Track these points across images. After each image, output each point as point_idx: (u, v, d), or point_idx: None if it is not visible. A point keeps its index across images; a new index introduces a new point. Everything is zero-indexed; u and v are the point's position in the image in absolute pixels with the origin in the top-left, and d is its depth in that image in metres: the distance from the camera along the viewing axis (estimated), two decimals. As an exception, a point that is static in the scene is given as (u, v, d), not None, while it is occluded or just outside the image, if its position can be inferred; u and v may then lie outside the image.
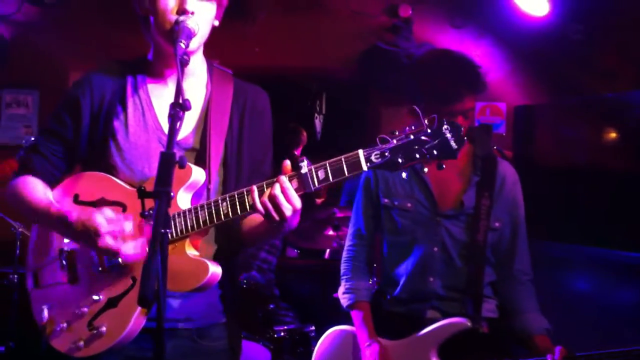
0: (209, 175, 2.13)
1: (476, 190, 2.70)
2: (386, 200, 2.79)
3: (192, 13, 2.07)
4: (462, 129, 1.85)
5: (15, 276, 4.47)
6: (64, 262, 2.16)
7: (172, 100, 1.87)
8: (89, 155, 2.19)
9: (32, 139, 3.08)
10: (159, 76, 2.24)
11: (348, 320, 4.23)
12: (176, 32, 2.03)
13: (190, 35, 2.05)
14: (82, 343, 2.05)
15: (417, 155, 1.82)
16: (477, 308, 2.64)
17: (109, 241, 1.97)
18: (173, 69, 2.19)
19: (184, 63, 1.96)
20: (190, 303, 2.16)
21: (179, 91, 1.85)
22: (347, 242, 2.97)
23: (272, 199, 1.91)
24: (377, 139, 1.86)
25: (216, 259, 2.14)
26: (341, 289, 2.93)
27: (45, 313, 2.14)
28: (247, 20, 5.06)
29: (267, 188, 1.94)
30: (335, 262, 4.46)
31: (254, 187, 1.95)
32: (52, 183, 2.20)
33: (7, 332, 4.50)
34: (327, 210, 4.87)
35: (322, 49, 5.27)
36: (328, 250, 5.42)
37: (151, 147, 2.16)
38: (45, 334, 2.14)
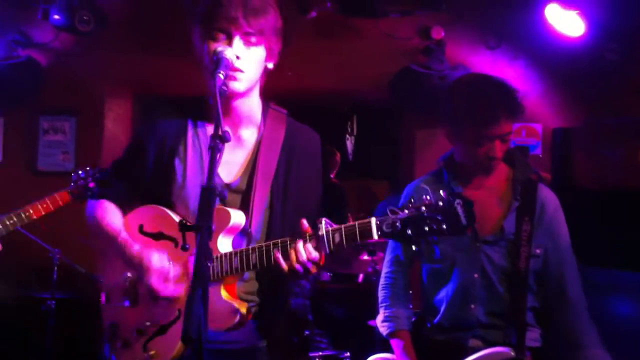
0: (250, 218, 2.22)
1: (516, 215, 2.65)
2: None
3: (238, 57, 2.14)
4: (473, 204, 1.88)
5: (53, 302, 4.50)
6: (127, 285, 2.32)
7: (228, 147, 2.02)
8: (153, 190, 2.34)
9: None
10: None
11: (383, 347, 4.18)
12: (215, 63, 2.07)
13: (228, 65, 2.08)
14: None
15: (427, 229, 1.87)
16: (520, 337, 2.58)
17: (153, 280, 2.18)
18: (229, 115, 2.27)
19: (223, 93, 2.00)
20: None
21: (218, 123, 1.87)
22: (385, 269, 2.93)
23: (290, 261, 2.04)
24: (389, 210, 1.93)
25: (260, 291, 2.30)
26: (380, 317, 2.89)
27: (110, 329, 2.34)
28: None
29: (290, 245, 2.06)
30: (369, 285, 4.45)
31: (278, 251, 2.06)
32: (124, 210, 2.40)
33: (43, 357, 4.54)
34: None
35: (354, 72, 5.28)
36: (362, 275, 5.38)
37: None
38: (109, 349, 2.34)
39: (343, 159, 7.38)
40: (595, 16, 4.61)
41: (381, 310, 2.89)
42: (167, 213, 2.28)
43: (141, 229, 2.33)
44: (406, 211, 1.90)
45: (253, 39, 2.16)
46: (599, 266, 3.95)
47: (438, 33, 4.95)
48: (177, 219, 2.24)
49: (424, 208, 1.88)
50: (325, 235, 1.99)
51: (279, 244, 2.07)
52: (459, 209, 1.86)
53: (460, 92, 2.72)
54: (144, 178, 2.34)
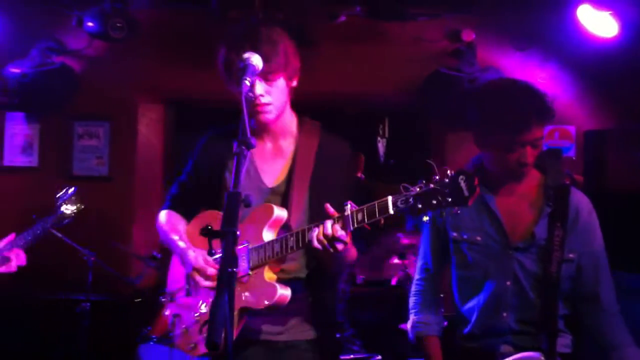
0: (290, 215, 2.48)
1: (548, 221, 2.62)
2: (455, 234, 2.73)
3: (262, 96, 2.42)
4: (476, 179, 2.09)
5: (88, 304, 4.59)
6: (186, 280, 2.61)
7: (269, 157, 2.54)
8: (210, 200, 2.60)
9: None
10: (258, 136, 2.54)
11: (414, 351, 4.17)
12: (242, 70, 2.19)
13: (254, 71, 2.22)
14: (194, 345, 2.50)
15: (434, 202, 2.09)
16: (551, 343, 2.56)
17: (195, 274, 2.48)
18: (268, 133, 2.58)
19: (249, 100, 2.16)
20: (282, 318, 2.48)
21: (243, 130, 1.98)
22: (416, 275, 2.93)
23: (319, 238, 2.28)
24: (402, 187, 2.17)
25: (308, 281, 2.55)
26: (410, 322, 2.90)
27: (172, 319, 2.63)
28: (309, 48, 5.12)
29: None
30: (402, 289, 4.44)
31: (312, 227, 2.32)
32: (187, 218, 2.73)
33: (77, 357, 4.63)
34: (392, 235, 4.83)
35: (383, 76, 5.29)
36: (395, 278, 5.37)
37: (252, 193, 2.34)
38: (171, 336, 2.62)
39: (374, 160, 7.39)
40: (629, 16, 4.54)
41: (411, 316, 2.89)
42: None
43: (201, 231, 2.43)
44: (417, 188, 2.13)
45: (271, 77, 2.42)
46: (632, 271, 3.89)
47: (468, 35, 4.92)
48: None
49: (432, 185, 2.11)
50: (350, 215, 2.24)
51: (312, 226, 2.32)
52: (462, 183, 2.07)
53: (488, 99, 2.70)
54: (201, 189, 2.65)
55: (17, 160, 5.50)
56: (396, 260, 4.45)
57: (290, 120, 2.62)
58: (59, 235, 4.40)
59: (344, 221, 2.27)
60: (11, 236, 3.21)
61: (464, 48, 4.97)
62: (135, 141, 5.51)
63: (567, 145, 5.29)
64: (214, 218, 2.51)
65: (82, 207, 3.75)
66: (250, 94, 2.18)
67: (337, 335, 4.38)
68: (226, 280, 1.60)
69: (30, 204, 3.34)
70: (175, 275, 2.72)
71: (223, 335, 1.55)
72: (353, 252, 2.49)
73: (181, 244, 2.60)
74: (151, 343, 4.13)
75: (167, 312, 2.71)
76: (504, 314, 2.61)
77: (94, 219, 5.03)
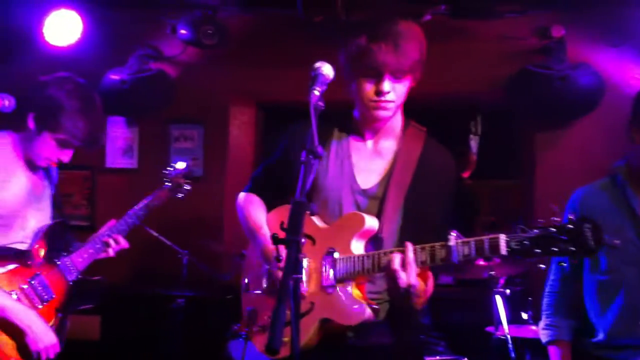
0: (382, 224, 2.36)
1: None
2: None
3: (388, 93, 2.35)
4: (602, 232, 1.94)
5: (182, 300, 4.78)
6: (266, 275, 2.52)
7: (368, 156, 2.43)
8: (293, 188, 2.48)
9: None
10: (359, 134, 2.53)
11: (499, 354, 4.12)
12: (312, 79, 2.18)
13: (325, 81, 2.19)
14: None
15: (555, 249, 1.95)
16: None
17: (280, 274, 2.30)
18: (372, 130, 2.50)
19: (318, 109, 2.12)
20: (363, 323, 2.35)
21: (312, 139, 1.98)
22: (550, 276, 2.86)
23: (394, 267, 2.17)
24: (519, 228, 2.02)
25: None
26: (541, 324, 2.84)
27: (247, 314, 2.55)
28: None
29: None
30: (487, 291, 4.37)
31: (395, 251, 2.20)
32: (268, 204, 2.66)
33: (173, 354, 4.83)
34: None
35: (469, 75, 5.20)
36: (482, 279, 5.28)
37: (343, 192, 2.45)
38: (247, 333, 2.56)
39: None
40: None
41: (543, 317, 2.83)
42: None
43: (282, 226, 2.41)
44: (535, 230, 1.98)
45: (401, 75, 2.35)
46: None
47: (558, 31, 4.76)
48: (313, 219, 2.40)
49: (553, 229, 1.96)
50: (454, 246, 2.11)
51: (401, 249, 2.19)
52: (588, 232, 1.93)
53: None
54: (288, 177, 2.48)
55: (118, 162, 5.76)
56: (481, 262, 4.37)
57: (397, 121, 2.52)
58: (155, 234, 4.63)
59: (447, 251, 2.13)
60: (111, 222, 3.31)
61: (554, 45, 4.81)
62: (227, 142, 5.67)
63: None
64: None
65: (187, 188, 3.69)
66: (320, 104, 2.11)
67: (422, 337, 4.37)
68: (289, 289, 1.63)
69: (130, 203, 3.50)
70: (253, 265, 2.65)
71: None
72: (417, 299, 2.29)
73: (261, 235, 2.51)
74: (240, 339, 4.27)
75: (243, 304, 2.64)
76: None
77: (189, 218, 5.25)
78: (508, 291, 4.45)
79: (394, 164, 2.45)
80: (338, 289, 2.30)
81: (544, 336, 2.77)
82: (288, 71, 4.96)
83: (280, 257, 1.87)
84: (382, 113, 2.39)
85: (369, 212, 2.39)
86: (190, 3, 5.07)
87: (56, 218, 3.28)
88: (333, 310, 2.30)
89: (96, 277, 3.34)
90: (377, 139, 2.51)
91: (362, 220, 2.33)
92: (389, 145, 2.50)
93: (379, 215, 2.38)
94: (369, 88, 2.36)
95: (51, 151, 3.05)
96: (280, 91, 5.44)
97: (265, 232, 2.51)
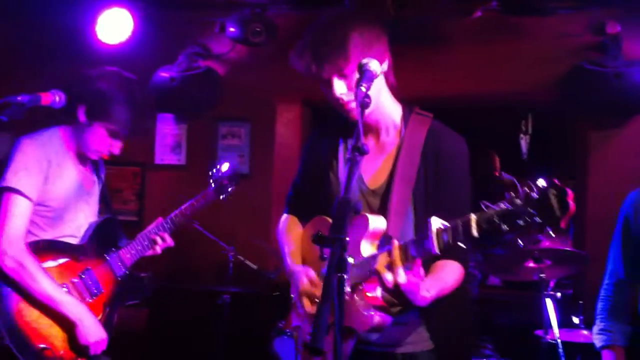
0: (388, 222, 2.26)
1: None
2: None
3: (343, 94, 2.28)
4: (570, 193, 1.72)
5: (228, 296, 4.81)
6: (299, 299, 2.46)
7: (372, 155, 2.28)
8: (318, 202, 2.50)
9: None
10: (365, 135, 2.40)
11: (548, 359, 4.02)
12: (359, 75, 2.12)
13: (372, 77, 2.11)
14: None
15: (521, 223, 1.73)
16: None
17: (301, 300, 2.37)
18: (367, 128, 2.38)
19: (365, 106, 2.04)
20: (398, 329, 2.31)
21: (358, 135, 1.92)
22: (605, 280, 2.79)
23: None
24: (483, 205, 1.83)
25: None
26: (595, 328, 2.77)
27: (295, 331, 2.52)
28: (443, 48, 5.07)
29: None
30: (536, 294, 4.28)
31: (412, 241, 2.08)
32: (303, 221, 2.64)
33: (215, 350, 4.87)
34: (533, 237, 4.66)
35: (522, 72, 5.10)
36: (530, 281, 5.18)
37: (355, 195, 2.37)
38: (295, 342, 2.53)
39: (518, 157, 7.14)
40: None
41: (597, 321, 2.77)
42: (329, 222, 2.34)
43: (312, 238, 2.43)
44: (501, 204, 1.80)
45: (345, 73, 2.26)
46: None
47: (613, 28, 4.63)
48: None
49: (517, 200, 1.75)
50: (431, 236, 1.97)
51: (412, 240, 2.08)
52: (553, 199, 1.70)
53: None
54: (309, 190, 2.57)
55: (167, 158, 5.84)
56: (531, 264, 4.28)
57: (391, 112, 2.41)
58: (202, 230, 4.67)
59: (422, 241, 1.99)
60: (158, 220, 3.34)
61: (608, 41, 4.68)
62: (273, 140, 5.69)
63: None
64: (322, 224, 2.43)
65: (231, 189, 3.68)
66: (367, 100, 2.03)
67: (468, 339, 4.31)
68: (332, 288, 1.61)
69: (178, 199, 3.53)
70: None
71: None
72: (419, 299, 2.11)
73: (289, 261, 2.51)
74: (285, 337, 4.27)
75: (292, 320, 2.60)
76: None
77: (236, 214, 5.28)
78: (559, 294, 4.34)
79: (396, 160, 2.34)
80: (354, 294, 2.22)
81: (597, 341, 2.69)
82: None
83: (324, 256, 1.83)
84: (353, 113, 2.26)
85: (376, 211, 2.32)
86: (239, 1, 5.10)
87: (103, 213, 3.33)
88: (351, 317, 2.20)
89: (144, 274, 3.37)
90: (377, 135, 2.42)
91: (366, 221, 2.25)
92: (390, 138, 2.41)
93: (384, 213, 2.28)
94: (329, 96, 2.33)
95: (102, 143, 3.10)
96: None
97: (291, 260, 2.53)
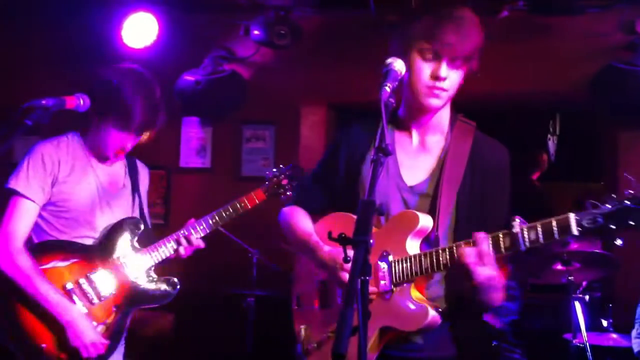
0: (437, 222, 2.26)
1: None
2: None
3: (444, 79, 2.24)
4: None
5: (252, 299, 4.80)
6: (319, 289, 2.45)
7: (413, 152, 2.32)
8: (344, 196, 2.44)
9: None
10: (405, 129, 2.43)
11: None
12: (383, 75, 2.11)
13: (396, 77, 2.12)
14: None
15: (632, 223, 1.80)
16: None
17: (346, 276, 2.14)
18: (419, 123, 2.40)
19: (389, 106, 2.04)
20: (422, 334, 2.26)
21: (382, 136, 1.90)
22: None
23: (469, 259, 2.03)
24: (589, 204, 1.87)
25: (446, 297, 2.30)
26: (634, 332, 2.73)
27: (303, 332, 2.43)
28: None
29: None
30: (564, 297, 4.21)
31: (459, 247, 2.08)
32: (314, 217, 2.53)
33: (241, 353, 4.86)
34: (561, 239, 4.58)
35: (550, 72, 5.03)
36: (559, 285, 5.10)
37: (389, 191, 2.37)
38: (302, 351, 2.43)
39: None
40: None
41: (636, 326, 2.73)
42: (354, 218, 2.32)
43: (330, 236, 2.29)
44: (608, 205, 1.85)
45: (459, 63, 2.24)
46: None
47: (644, 26, 4.56)
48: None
49: (627, 201, 1.82)
50: (520, 233, 1.99)
51: (470, 242, 2.09)
52: None
53: None
54: (337, 183, 2.47)
55: (192, 161, 5.86)
56: (560, 267, 4.21)
57: (445, 116, 2.42)
58: (227, 233, 4.66)
59: (511, 239, 2.01)
60: (190, 221, 3.29)
61: (639, 40, 4.60)
62: (298, 143, 5.67)
63: None
64: (344, 221, 2.36)
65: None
66: (391, 100, 2.04)
67: (495, 343, 4.26)
68: (356, 291, 1.57)
69: (203, 202, 3.52)
70: (304, 280, 2.55)
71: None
72: (494, 296, 2.12)
73: (313, 242, 2.40)
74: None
75: (295, 321, 2.52)
76: None
77: (259, 216, 5.26)
78: (587, 297, 4.27)
79: (444, 160, 2.35)
80: (396, 293, 2.20)
81: (636, 345, 2.63)
82: (359, 71, 4.91)
83: (348, 258, 1.80)
84: (434, 101, 2.28)
85: (419, 211, 2.29)
86: (263, 4, 5.10)
87: (140, 216, 3.32)
88: (393, 317, 2.19)
89: (165, 277, 3.32)
90: (423, 133, 2.41)
91: (417, 219, 2.23)
92: (435, 140, 2.41)
93: (432, 213, 2.28)
94: (425, 72, 2.26)
95: (114, 137, 3.07)
96: (352, 91, 5.40)
97: (316, 239, 2.41)
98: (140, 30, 5.15)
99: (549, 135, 7.63)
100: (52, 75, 5.58)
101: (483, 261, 2.04)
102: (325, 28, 5.42)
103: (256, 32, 5.10)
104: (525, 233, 1.98)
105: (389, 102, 2.04)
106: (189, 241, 3.23)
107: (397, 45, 2.32)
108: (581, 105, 5.30)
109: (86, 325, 2.97)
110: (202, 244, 3.27)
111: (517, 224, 1.99)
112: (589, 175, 6.57)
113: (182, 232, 3.24)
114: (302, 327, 2.44)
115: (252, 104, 5.59)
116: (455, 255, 2.10)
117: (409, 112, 2.40)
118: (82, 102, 2.61)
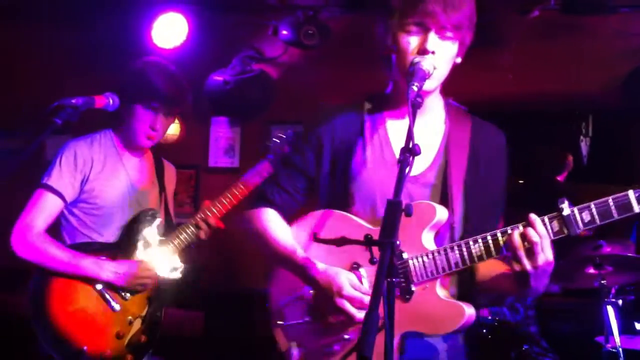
0: (452, 213, 2.13)
1: None
2: None
3: (433, 52, 2.07)
4: None
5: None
6: (309, 301, 2.18)
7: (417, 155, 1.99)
8: (328, 190, 2.27)
9: (275, 140, 3.47)
10: (396, 112, 2.28)
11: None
12: (410, 74, 2.03)
13: (424, 77, 2.03)
14: None
15: None
16: None
17: (347, 305, 2.04)
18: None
19: (417, 106, 1.97)
20: (433, 343, 2.16)
21: (409, 136, 1.84)
22: None
23: (530, 242, 1.88)
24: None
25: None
26: None
27: (295, 351, 2.18)
28: (499, 48, 4.96)
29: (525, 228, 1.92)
30: (597, 301, 4.14)
31: (515, 230, 1.93)
32: (289, 217, 2.31)
33: (274, 352, 4.83)
34: (593, 242, 4.51)
35: (582, 73, 4.96)
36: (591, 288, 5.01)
37: (389, 182, 2.11)
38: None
39: (578, 161, 6.94)
40: None
41: None
42: (348, 216, 2.19)
43: (315, 237, 2.21)
44: None
45: (449, 34, 2.09)
46: None
47: (678, 25, 4.47)
48: (360, 221, 2.17)
49: None
50: (572, 215, 1.87)
51: (508, 230, 1.95)
52: None
53: None
54: (319, 177, 2.27)
55: (220, 161, 5.88)
56: (592, 270, 4.13)
57: (437, 100, 2.28)
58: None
59: (562, 222, 1.87)
60: (205, 203, 3.32)
61: (674, 40, 4.52)
62: (326, 143, 5.65)
63: None
64: (336, 220, 2.18)
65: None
66: (419, 99, 1.96)
67: (526, 347, 4.19)
68: (382, 293, 1.53)
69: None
70: (284, 293, 2.25)
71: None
72: (542, 283, 1.97)
73: (300, 259, 2.15)
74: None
75: (281, 341, 2.24)
76: None
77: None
78: (620, 301, 4.18)
79: (447, 148, 2.22)
80: (417, 293, 2.03)
81: None
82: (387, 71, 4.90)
83: (375, 260, 1.75)
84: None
85: (424, 200, 2.15)
86: (292, 4, 5.10)
87: (165, 214, 3.35)
88: (418, 321, 2.02)
89: (190, 269, 3.34)
90: (417, 117, 2.11)
91: (434, 211, 2.06)
92: (431, 125, 2.26)
93: (445, 204, 2.13)
94: (410, 46, 2.09)
95: (143, 117, 3.12)
96: (380, 91, 5.36)
97: (303, 256, 2.14)
98: (170, 31, 5.19)
99: (581, 137, 7.52)
100: (82, 75, 5.64)
101: (542, 245, 1.91)
102: (354, 28, 5.39)
103: (284, 32, 5.10)
104: (577, 215, 1.86)
105: (416, 101, 1.98)
106: (208, 223, 3.23)
107: (381, 28, 2.19)
108: (614, 105, 5.21)
109: (115, 265, 3.04)
110: (221, 224, 3.28)
111: (566, 205, 1.88)
112: (622, 177, 6.45)
113: (199, 215, 3.26)
114: (292, 343, 2.20)
115: (280, 103, 5.59)
116: (505, 241, 1.94)
117: (398, 95, 2.23)
118: (111, 101, 2.64)
